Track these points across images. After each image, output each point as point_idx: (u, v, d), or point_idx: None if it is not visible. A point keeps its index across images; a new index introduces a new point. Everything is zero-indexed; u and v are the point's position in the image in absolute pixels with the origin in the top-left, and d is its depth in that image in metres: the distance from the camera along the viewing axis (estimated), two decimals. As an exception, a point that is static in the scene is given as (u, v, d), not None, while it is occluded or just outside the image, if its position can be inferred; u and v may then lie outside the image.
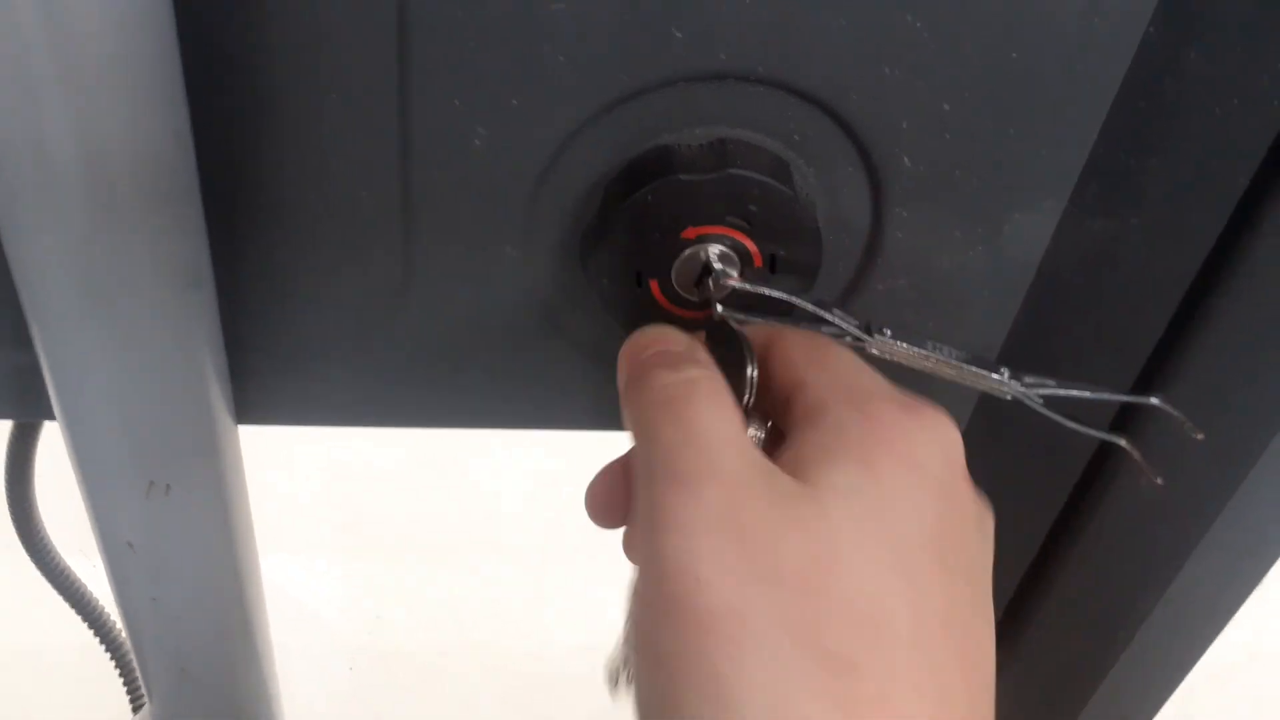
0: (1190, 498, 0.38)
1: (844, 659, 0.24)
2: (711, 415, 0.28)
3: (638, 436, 0.29)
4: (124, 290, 0.30)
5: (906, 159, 0.33)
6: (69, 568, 0.56)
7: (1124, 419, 0.40)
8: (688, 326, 0.36)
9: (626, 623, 0.31)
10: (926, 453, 0.27)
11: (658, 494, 0.26)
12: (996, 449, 0.44)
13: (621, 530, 0.31)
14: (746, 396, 0.30)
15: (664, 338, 0.32)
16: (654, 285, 0.35)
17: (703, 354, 0.31)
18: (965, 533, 0.28)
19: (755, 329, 0.33)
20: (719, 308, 0.34)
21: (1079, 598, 0.46)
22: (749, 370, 0.30)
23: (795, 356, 0.31)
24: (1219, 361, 0.37)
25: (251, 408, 0.39)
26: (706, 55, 0.31)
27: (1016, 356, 0.38)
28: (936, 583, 0.26)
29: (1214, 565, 0.39)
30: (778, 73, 0.31)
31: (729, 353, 0.32)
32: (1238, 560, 0.40)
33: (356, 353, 0.38)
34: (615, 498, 0.30)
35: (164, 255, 0.30)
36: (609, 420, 0.41)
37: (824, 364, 0.30)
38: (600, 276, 0.35)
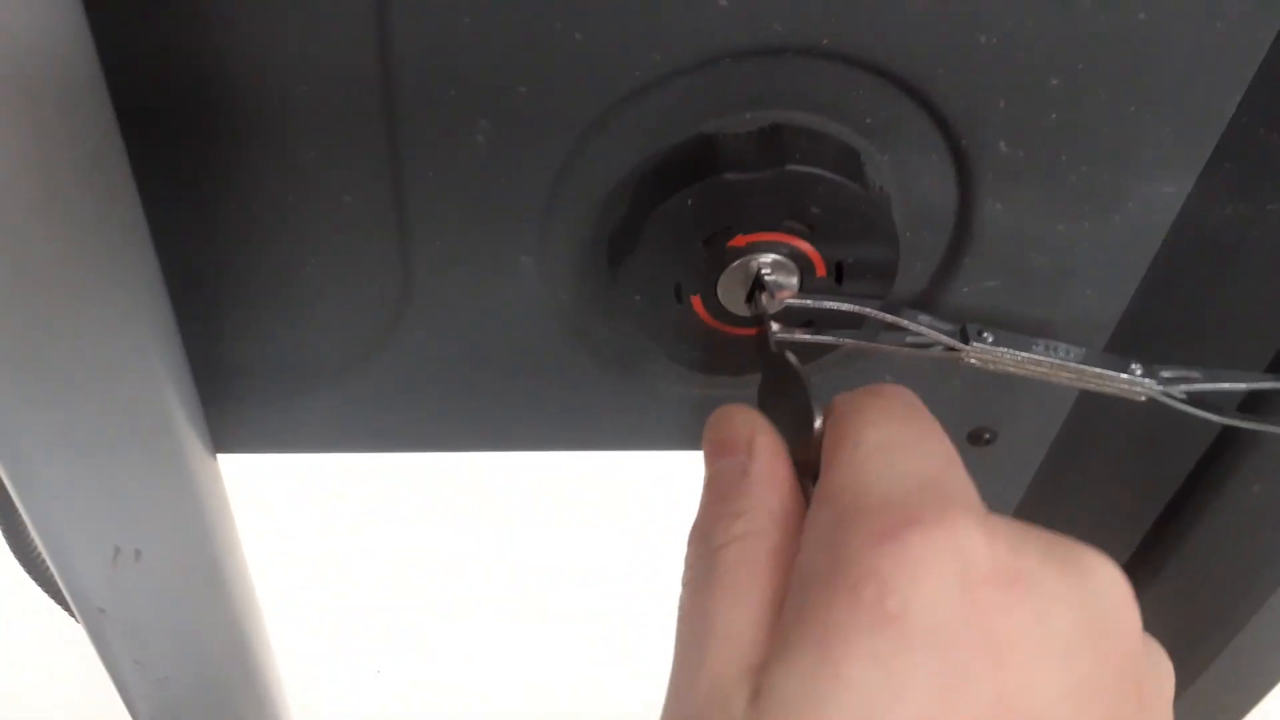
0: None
1: None
2: (722, 622, 0.20)
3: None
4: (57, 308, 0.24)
5: (1003, 144, 0.27)
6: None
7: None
8: (739, 346, 0.31)
9: None
10: (919, 593, 0.18)
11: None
12: (1095, 446, 0.38)
13: None
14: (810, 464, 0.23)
15: (729, 440, 0.23)
16: (696, 301, 0.29)
17: (760, 467, 0.23)
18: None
19: None
20: (775, 329, 0.28)
21: (1179, 600, 0.41)
22: (816, 424, 0.24)
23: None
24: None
25: (233, 436, 0.34)
26: (757, 26, 0.25)
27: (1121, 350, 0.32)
28: None
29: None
30: (845, 45, 0.25)
31: (786, 394, 0.26)
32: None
33: (351, 372, 0.33)
34: None
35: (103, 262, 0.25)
36: (641, 438, 0.36)
37: (829, 463, 0.21)
38: (632, 291, 0.29)
